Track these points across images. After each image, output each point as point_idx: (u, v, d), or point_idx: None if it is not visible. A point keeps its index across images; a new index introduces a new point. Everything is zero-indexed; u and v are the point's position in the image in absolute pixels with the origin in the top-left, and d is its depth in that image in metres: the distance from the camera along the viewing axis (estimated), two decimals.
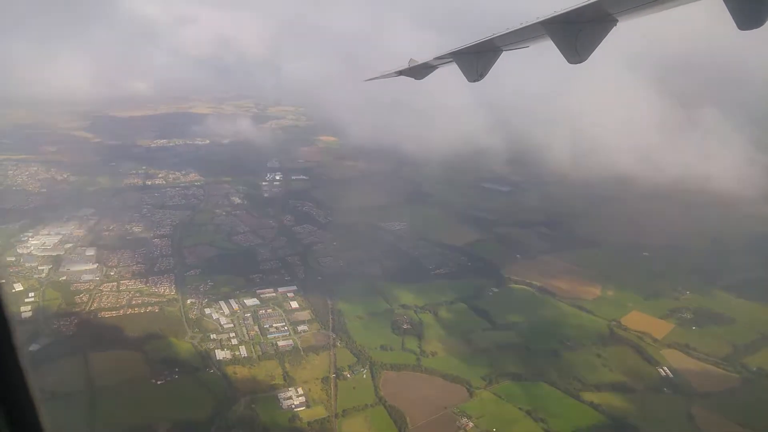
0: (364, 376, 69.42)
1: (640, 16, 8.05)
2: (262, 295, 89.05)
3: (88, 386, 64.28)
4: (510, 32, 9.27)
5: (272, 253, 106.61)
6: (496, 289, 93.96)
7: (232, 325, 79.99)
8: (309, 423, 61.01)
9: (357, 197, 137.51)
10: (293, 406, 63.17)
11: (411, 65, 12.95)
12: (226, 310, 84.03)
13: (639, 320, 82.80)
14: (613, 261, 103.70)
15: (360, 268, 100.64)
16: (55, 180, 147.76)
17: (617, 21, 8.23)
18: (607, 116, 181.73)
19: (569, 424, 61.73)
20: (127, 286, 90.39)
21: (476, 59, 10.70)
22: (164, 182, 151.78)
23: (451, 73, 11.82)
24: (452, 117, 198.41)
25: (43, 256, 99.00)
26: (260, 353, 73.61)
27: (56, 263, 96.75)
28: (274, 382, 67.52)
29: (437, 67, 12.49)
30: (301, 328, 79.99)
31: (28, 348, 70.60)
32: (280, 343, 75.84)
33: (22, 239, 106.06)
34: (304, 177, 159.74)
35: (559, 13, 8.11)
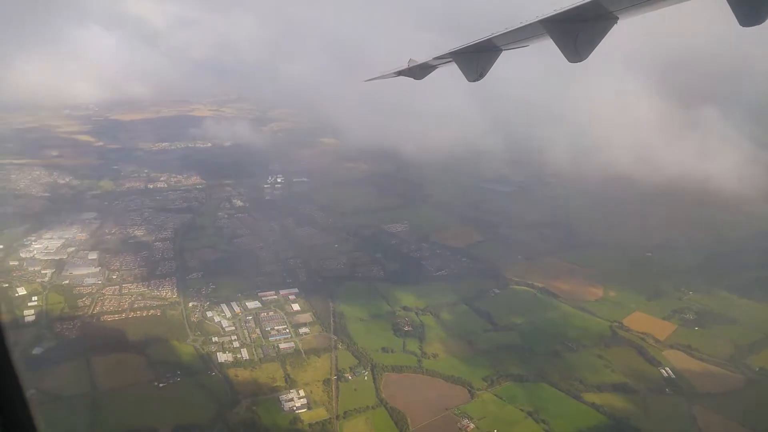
0: (366, 377, 69.39)
1: (640, 14, 8.01)
2: (263, 298, 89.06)
3: (90, 389, 64.33)
4: (509, 31, 9.24)
5: (274, 255, 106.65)
6: (497, 291, 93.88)
7: (233, 328, 79.99)
8: (310, 425, 61.01)
9: (358, 199, 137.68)
10: (294, 408, 63.17)
11: (410, 65, 12.91)
12: (228, 313, 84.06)
13: (641, 321, 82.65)
14: (615, 261, 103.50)
15: (361, 270, 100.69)
16: (57, 184, 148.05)
17: (617, 19, 8.19)
18: (608, 115, 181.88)
19: (571, 425, 61.64)
20: (129, 289, 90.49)
21: (476, 59, 10.67)
22: (166, 185, 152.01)
23: (451, 73, 11.81)
24: (452, 117, 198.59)
25: (46, 260, 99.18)
26: (262, 356, 73.60)
27: (59, 267, 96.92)
28: (275, 385, 67.51)
29: (437, 67, 12.46)
30: (302, 330, 79.98)
31: (31, 351, 70.82)
32: (282, 346, 75.84)
33: (25, 243, 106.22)
34: (305, 179, 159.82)
35: (559, 11, 8.07)
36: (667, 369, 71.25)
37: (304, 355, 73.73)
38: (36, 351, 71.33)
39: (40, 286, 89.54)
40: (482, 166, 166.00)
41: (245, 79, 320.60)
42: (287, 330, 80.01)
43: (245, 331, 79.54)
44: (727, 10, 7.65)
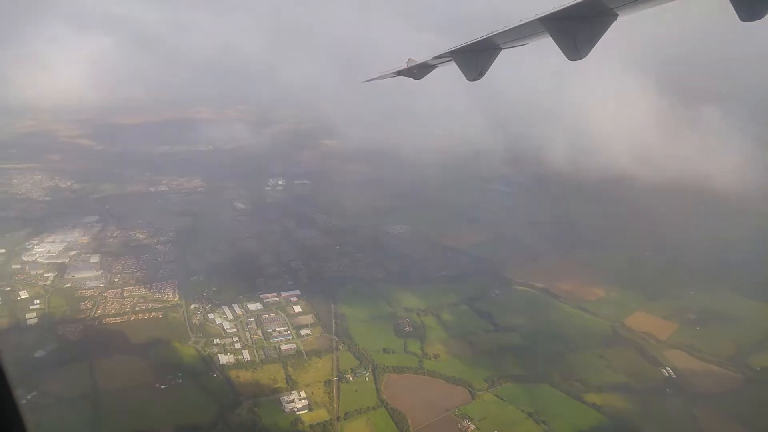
0: (367, 378, 69.41)
1: (640, 10, 8.05)
2: (265, 300, 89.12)
3: (92, 392, 64.37)
4: (509, 30, 9.30)
5: (275, 257, 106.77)
6: (498, 291, 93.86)
7: (235, 330, 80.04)
8: (311, 426, 61.03)
9: (359, 200, 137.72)
10: (296, 410, 63.19)
11: (409, 65, 12.96)
12: (230, 315, 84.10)
13: (643, 321, 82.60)
14: (616, 261, 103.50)
15: (363, 272, 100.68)
16: (59, 188, 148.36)
17: (617, 15, 8.23)
18: (607, 114, 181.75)
19: (571, 425, 61.64)
20: (131, 292, 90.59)
21: (475, 58, 10.72)
22: (168, 188, 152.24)
23: (450, 72, 11.86)
24: (452, 117, 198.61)
25: (49, 264, 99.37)
26: (263, 357, 73.64)
27: (61, 270, 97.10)
28: (276, 386, 67.54)
29: (436, 67, 12.51)
30: (304, 331, 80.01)
31: (33, 354, 70.95)
32: (283, 347, 75.86)
33: (28, 247, 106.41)
34: (306, 181, 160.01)
35: (558, 9, 8.12)
36: (668, 369, 71.21)
37: (305, 357, 73.75)
38: (38, 354, 71.51)
39: (42, 290, 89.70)
40: (482, 165, 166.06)
41: (246, 82, 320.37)
42: (289, 331, 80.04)
43: (247, 332, 79.57)
44: (727, 5, 7.71)
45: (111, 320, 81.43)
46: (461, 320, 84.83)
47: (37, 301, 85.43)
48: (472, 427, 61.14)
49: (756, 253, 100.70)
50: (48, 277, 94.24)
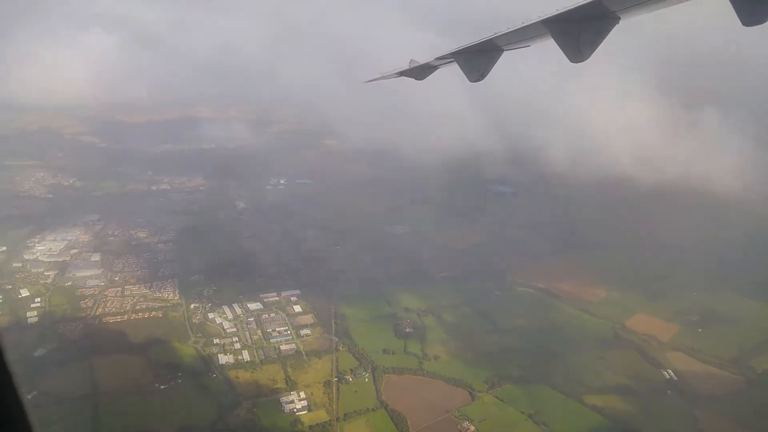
0: (366, 379, 69.34)
1: (642, 13, 8.00)
2: (265, 299, 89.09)
3: (92, 391, 64.38)
4: (511, 31, 9.24)
5: (276, 257, 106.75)
6: (498, 292, 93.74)
7: (235, 330, 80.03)
8: (311, 427, 61.00)
9: (360, 201, 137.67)
10: (295, 410, 63.15)
11: (412, 66, 12.88)
12: (230, 315, 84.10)
13: (644, 322, 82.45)
14: (617, 262, 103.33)
15: (363, 272, 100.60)
16: (61, 185, 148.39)
17: (619, 18, 8.19)
18: (608, 116, 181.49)
19: (571, 427, 61.60)
20: (132, 291, 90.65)
21: (477, 59, 10.65)
22: (169, 187, 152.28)
23: (452, 73, 11.78)
24: (454, 119, 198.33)
25: (49, 262, 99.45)
26: (263, 357, 73.60)
27: (62, 269, 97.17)
28: (276, 386, 67.51)
29: (438, 68, 12.43)
30: (303, 332, 79.97)
31: (33, 353, 70.97)
32: (283, 347, 75.82)
33: (29, 245, 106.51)
34: (307, 181, 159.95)
35: (561, 11, 8.07)
36: (670, 371, 71.05)
37: (305, 357, 73.70)
38: (39, 353, 71.57)
39: (43, 288, 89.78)
40: (483, 166, 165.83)
41: (246, 81, 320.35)
42: (288, 332, 80.00)
43: (246, 332, 79.55)
44: (730, 9, 7.64)
45: (111, 319, 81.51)
46: (461, 321, 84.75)
47: (37, 300, 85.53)
48: (472, 428, 61.05)
49: (757, 254, 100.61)
50: (49, 275, 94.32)
